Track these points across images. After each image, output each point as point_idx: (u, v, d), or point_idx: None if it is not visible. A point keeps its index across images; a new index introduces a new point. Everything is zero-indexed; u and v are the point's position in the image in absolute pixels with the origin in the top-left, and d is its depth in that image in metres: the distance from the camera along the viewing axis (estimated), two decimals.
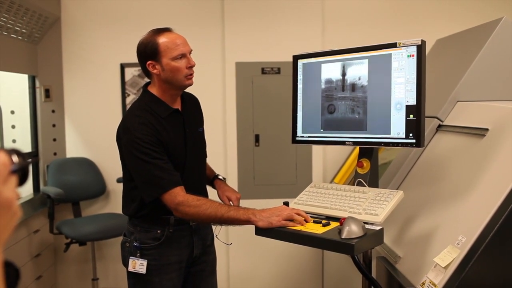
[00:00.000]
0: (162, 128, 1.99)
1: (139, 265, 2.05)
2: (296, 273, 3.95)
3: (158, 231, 2.06)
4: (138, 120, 1.98)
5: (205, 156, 2.26)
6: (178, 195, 1.91)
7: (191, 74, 2.04)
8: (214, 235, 2.26)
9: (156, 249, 2.07)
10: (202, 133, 2.23)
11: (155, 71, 2.01)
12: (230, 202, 2.19)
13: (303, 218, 1.83)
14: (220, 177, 2.36)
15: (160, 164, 1.94)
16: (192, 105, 2.22)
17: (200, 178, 2.22)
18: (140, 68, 3.77)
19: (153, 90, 2.07)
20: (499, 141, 1.82)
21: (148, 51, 2.00)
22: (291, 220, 1.82)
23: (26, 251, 3.35)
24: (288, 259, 3.92)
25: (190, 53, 2.04)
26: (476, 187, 1.77)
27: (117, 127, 3.96)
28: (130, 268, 2.07)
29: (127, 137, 1.98)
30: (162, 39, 1.99)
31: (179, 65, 1.99)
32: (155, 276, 2.07)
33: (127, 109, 3.90)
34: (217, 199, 2.19)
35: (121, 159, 2.11)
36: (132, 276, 2.10)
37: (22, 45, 3.54)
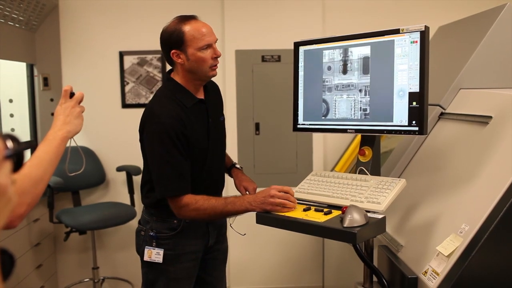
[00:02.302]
0: (187, 119, 1.97)
1: (155, 254, 2.06)
2: (296, 261, 3.95)
3: (175, 221, 2.07)
4: (166, 111, 1.95)
5: (225, 144, 2.25)
6: (180, 200, 1.93)
7: (216, 65, 2.00)
8: (229, 224, 2.26)
9: (172, 239, 2.07)
10: (223, 122, 2.22)
11: (179, 60, 1.97)
12: (247, 192, 2.19)
13: (293, 205, 1.85)
14: (237, 166, 2.35)
15: (176, 165, 1.93)
16: (214, 94, 2.20)
17: (220, 167, 2.22)
18: (138, 56, 3.79)
19: (177, 78, 2.04)
20: (503, 129, 1.80)
21: (173, 40, 1.95)
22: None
23: (26, 240, 3.34)
24: (289, 247, 3.92)
25: (215, 42, 2.00)
26: (479, 175, 1.76)
27: (116, 115, 3.96)
28: (146, 258, 2.08)
29: (152, 127, 1.95)
30: (187, 28, 1.94)
31: (204, 55, 1.95)
32: (170, 265, 2.08)
33: (126, 97, 3.88)
34: (233, 187, 2.25)
35: (141, 147, 2.09)
36: (146, 265, 2.11)
37: (19, 33, 3.51)
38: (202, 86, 2.11)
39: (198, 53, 1.95)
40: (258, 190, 2.02)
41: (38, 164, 1.30)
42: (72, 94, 1.54)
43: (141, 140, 2.06)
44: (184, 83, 2.03)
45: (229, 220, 2.21)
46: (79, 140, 4.00)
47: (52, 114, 3.73)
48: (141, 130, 2.04)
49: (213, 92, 2.20)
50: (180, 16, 2.00)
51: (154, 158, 1.98)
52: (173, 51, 1.97)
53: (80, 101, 1.56)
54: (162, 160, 1.94)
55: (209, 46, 1.97)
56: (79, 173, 1.81)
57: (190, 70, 1.99)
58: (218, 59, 2.03)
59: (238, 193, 2.17)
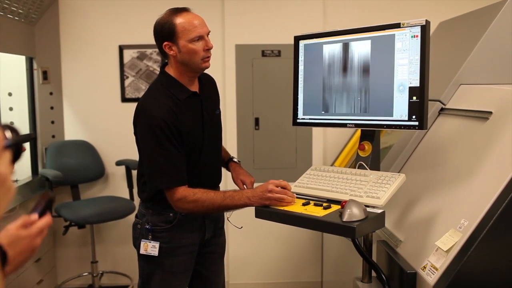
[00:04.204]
0: (180, 111, 1.97)
1: (151, 248, 2.06)
2: (295, 256, 3.95)
3: (170, 214, 2.06)
4: (157, 104, 1.95)
5: (221, 138, 2.25)
6: (177, 193, 1.93)
7: (208, 57, 2.00)
8: (226, 218, 2.26)
9: (168, 232, 2.07)
10: (218, 115, 2.22)
11: (171, 52, 1.97)
12: (244, 186, 2.19)
13: (292, 199, 1.86)
14: (235, 159, 2.35)
15: (170, 157, 1.93)
16: (209, 87, 2.19)
17: (216, 160, 2.22)
18: (138, 50, 3.78)
19: (170, 71, 2.04)
20: (503, 124, 1.79)
21: (164, 32, 1.95)
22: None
23: None
24: (288, 242, 3.92)
25: (208, 34, 2.00)
26: (479, 170, 1.75)
27: (116, 109, 3.96)
28: (142, 251, 2.08)
29: (144, 121, 1.96)
30: (179, 20, 1.94)
31: (195, 47, 1.95)
32: (166, 258, 2.08)
33: (125, 91, 3.87)
34: (231, 181, 2.26)
35: (136, 140, 2.09)
36: (143, 258, 2.11)
37: (19, 26, 3.50)
38: (197, 79, 2.11)
39: (190, 44, 1.94)
40: (257, 184, 2.02)
41: None
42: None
43: (135, 134, 2.06)
44: (178, 76, 2.03)
45: (226, 214, 2.21)
46: (79, 134, 4.00)
47: (52, 107, 3.76)
48: (135, 124, 2.04)
49: (208, 85, 2.19)
50: (172, 8, 2.00)
51: (148, 151, 1.98)
52: (165, 43, 1.97)
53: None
54: (156, 153, 1.94)
55: (201, 37, 1.96)
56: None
57: (183, 62, 1.98)
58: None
59: (237, 188, 2.17)
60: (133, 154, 2.16)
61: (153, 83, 2.12)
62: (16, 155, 0.76)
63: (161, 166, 1.94)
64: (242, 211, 1.99)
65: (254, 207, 1.88)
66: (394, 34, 1.84)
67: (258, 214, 1.88)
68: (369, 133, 1.98)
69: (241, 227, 2.23)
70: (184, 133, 1.97)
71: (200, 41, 1.96)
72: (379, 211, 1.71)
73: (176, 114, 1.95)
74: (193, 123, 2.02)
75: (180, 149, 1.96)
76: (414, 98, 1.79)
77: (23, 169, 3.64)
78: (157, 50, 2.13)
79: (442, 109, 2.30)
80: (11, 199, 0.70)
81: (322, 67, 2.07)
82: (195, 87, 2.09)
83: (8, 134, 0.74)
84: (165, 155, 1.93)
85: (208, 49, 1.98)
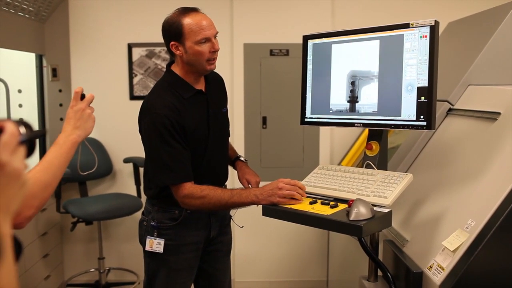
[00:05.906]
0: (184, 109, 1.98)
1: (156, 245, 2.07)
2: (301, 255, 3.96)
3: (176, 212, 2.07)
4: (161, 102, 1.96)
5: (228, 136, 2.26)
6: (184, 189, 1.94)
7: (214, 59, 2.00)
8: (230, 216, 2.27)
9: (173, 229, 2.08)
10: (225, 113, 2.22)
11: (178, 52, 1.98)
12: (249, 185, 2.19)
13: (302, 196, 1.86)
14: (242, 158, 2.35)
15: (175, 154, 1.94)
16: (216, 85, 2.20)
17: (222, 158, 2.22)
18: (147, 48, 3.80)
19: (176, 69, 2.05)
20: (511, 125, 1.79)
21: (172, 32, 1.96)
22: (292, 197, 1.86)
23: (33, 230, 3.37)
24: (294, 241, 3.93)
25: (215, 36, 1.99)
26: (487, 171, 1.75)
27: (124, 107, 3.97)
28: (147, 248, 2.09)
29: (148, 118, 1.96)
30: (187, 20, 1.94)
31: (202, 49, 1.95)
32: (171, 255, 2.09)
33: (134, 89, 3.89)
34: (237, 180, 2.26)
35: (141, 138, 2.10)
36: (148, 255, 2.13)
37: (29, 23, 3.52)
38: (203, 78, 2.12)
39: (196, 46, 1.95)
40: (263, 184, 2.02)
41: (48, 169, 1.31)
42: (82, 96, 1.53)
43: (140, 131, 2.07)
44: (183, 75, 2.04)
45: (231, 212, 2.22)
46: None
47: (61, 105, 3.79)
48: (139, 121, 2.06)
49: (215, 83, 2.20)
50: (181, 8, 2.00)
51: (152, 148, 1.99)
52: (172, 42, 1.98)
53: (90, 102, 1.55)
54: (160, 149, 1.94)
55: (208, 39, 1.96)
56: (92, 172, 1.85)
57: (188, 63, 2.00)
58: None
59: (242, 187, 2.18)
60: (141, 152, 2.18)
61: (158, 82, 2.13)
62: (30, 151, 0.77)
63: (166, 163, 1.94)
64: (248, 209, 1.99)
65: (261, 206, 1.89)
66: (403, 34, 1.84)
67: (265, 212, 1.88)
68: (377, 133, 1.98)
69: (242, 226, 2.23)
70: (189, 130, 1.98)
71: (207, 43, 1.96)
72: (386, 210, 1.71)
73: (180, 111, 1.96)
74: (198, 120, 2.03)
75: (185, 146, 1.97)
76: (422, 98, 1.79)
77: (32, 166, 3.67)
78: (165, 48, 2.15)
79: (450, 110, 2.30)
80: (25, 194, 0.71)
81: (331, 66, 2.07)
82: (200, 86, 2.10)
83: (22, 129, 0.75)
84: (170, 151, 1.94)
85: (214, 51, 1.98)
